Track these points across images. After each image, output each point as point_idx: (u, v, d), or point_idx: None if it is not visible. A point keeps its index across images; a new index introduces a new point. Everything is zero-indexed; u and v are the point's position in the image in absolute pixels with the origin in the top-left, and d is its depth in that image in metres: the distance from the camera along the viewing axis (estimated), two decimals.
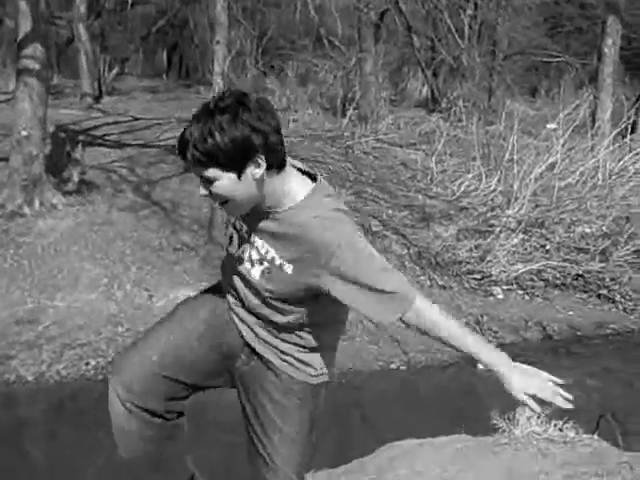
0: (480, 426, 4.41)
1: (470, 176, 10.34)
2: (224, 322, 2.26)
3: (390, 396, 6.46)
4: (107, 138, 11.29)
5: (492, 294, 8.31)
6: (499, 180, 10.06)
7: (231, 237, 2.24)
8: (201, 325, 2.27)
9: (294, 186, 2.06)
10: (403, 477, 3.83)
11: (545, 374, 2.04)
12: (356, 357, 6.86)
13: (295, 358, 2.23)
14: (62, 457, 5.15)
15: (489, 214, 9.45)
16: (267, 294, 2.11)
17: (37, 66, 8.49)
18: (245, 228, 2.16)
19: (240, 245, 2.18)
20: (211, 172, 1.95)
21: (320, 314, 2.17)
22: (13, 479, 3.63)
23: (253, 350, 2.25)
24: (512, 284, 8.46)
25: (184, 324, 2.28)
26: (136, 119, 12.70)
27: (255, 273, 2.12)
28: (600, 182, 10.21)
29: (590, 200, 9.74)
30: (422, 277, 8.29)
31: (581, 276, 8.83)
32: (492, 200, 9.82)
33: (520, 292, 8.44)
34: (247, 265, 2.14)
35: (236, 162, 1.94)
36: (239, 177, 1.96)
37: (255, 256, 2.12)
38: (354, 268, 1.99)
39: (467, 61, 15.81)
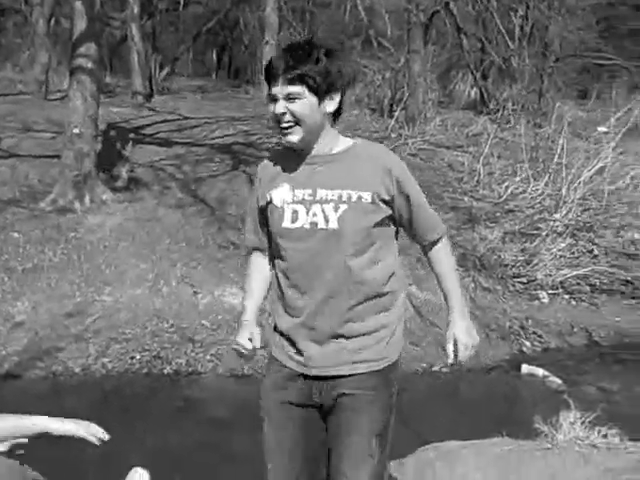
0: (522, 430, 4.36)
1: (517, 179, 10.24)
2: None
3: (432, 398, 6.43)
4: (156, 136, 11.46)
5: (537, 298, 8.22)
6: (547, 183, 9.93)
7: (279, 213, 2.32)
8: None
9: (341, 136, 2.34)
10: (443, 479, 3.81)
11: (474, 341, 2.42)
12: None
13: (372, 333, 2.35)
14: (106, 449, 5.25)
15: (536, 217, 9.34)
16: (350, 235, 2.25)
17: (90, 65, 8.66)
18: (306, 192, 2.29)
19: (306, 212, 2.29)
20: (298, 89, 2.18)
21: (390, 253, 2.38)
22: (60, 471, 3.71)
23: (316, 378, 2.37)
24: (558, 288, 8.35)
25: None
26: (185, 118, 12.86)
27: (333, 223, 2.25)
28: None
29: None
30: (466, 279, 8.22)
31: (630, 282, 8.68)
32: (540, 203, 9.70)
33: (566, 297, 8.33)
34: (322, 223, 2.26)
35: (322, 89, 2.20)
36: (319, 104, 2.22)
37: (329, 208, 2.26)
38: (413, 186, 2.33)
39: (517, 63, 15.65)
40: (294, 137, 2.24)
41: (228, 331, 6.91)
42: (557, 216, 9.18)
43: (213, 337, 6.80)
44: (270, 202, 2.34)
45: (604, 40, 18.21)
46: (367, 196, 2.24)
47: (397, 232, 2.43)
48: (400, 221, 2.37)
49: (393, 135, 12.21)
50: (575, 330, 7.82)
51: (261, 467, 2.44)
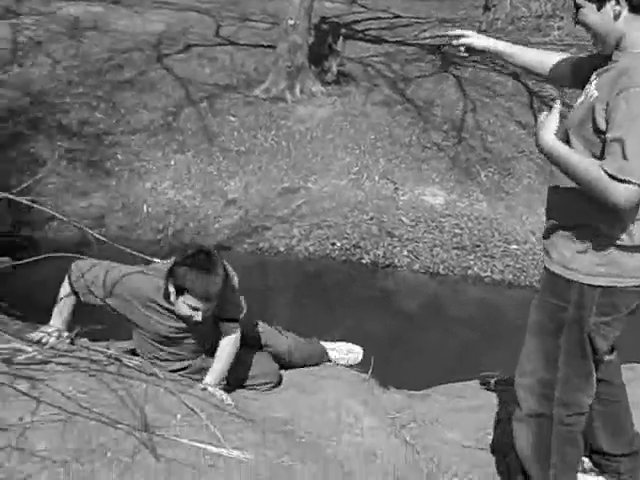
0: None
1: None
2: None
3: None
4: (367, 33, 11.43)
5: None
6: None
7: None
8: None
9: None
10: None
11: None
12: None
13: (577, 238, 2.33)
14: (303, 322, 5.54)
15: None
16: (573, 129, 2.32)
17: None
18: (590, 84, 2.36)
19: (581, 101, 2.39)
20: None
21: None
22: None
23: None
24: None
25: None
26: (397, 16, 12.69)
27: (576, 114, 2.36)
28: None
29: None
30: None
31: None
32: None
33: None
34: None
35: None
36: (598, 9, 2.28)
37: (580, 100, 2.38)
38: (623, 118, 2.14)
39: None
40: (597, 45, 2.38)
41: (426, 230, 6.96)
42: None
43: (411, 234, 6.87)
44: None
45: None
46: (594, 100, 2.26)
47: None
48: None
49: None
50: None
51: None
